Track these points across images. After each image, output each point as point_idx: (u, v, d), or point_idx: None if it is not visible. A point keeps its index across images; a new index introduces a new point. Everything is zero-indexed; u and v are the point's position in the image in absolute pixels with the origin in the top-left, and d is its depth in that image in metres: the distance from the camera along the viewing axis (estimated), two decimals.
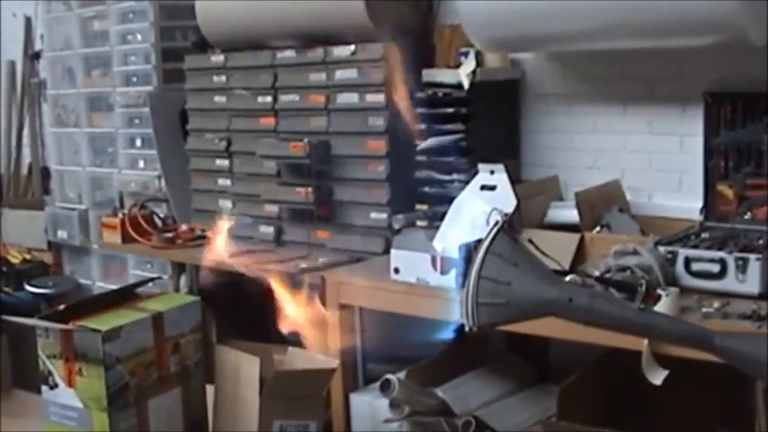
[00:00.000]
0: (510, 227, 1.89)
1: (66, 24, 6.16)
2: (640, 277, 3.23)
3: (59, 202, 6.47)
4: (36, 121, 7.38)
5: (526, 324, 3.19)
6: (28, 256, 6.63)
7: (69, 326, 3.27)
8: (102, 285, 6.01)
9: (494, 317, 1.85)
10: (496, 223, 1.88)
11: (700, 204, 3.93)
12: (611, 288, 3.19)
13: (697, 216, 3.92)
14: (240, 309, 4.85)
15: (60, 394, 3.34)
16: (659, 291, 3.18)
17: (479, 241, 1.82)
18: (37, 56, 7.18)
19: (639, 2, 3.56)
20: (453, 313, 3.33)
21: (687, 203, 4.01)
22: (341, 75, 4.47)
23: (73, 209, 6.26)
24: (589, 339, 3.14)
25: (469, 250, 3.20)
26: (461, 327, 3.75)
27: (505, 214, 1.88)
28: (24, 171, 7.51)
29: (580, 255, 3.67)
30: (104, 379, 3.22)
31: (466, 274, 1.82)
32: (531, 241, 1.88)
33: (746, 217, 3.83)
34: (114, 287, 4.72)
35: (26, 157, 7.51)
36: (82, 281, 6.32)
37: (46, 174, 7.08)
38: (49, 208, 6.56)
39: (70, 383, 3.30)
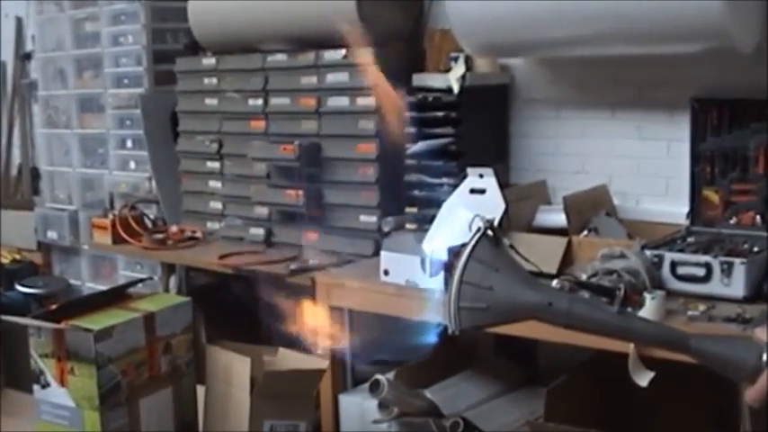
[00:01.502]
0: (492, 233, 1.91)
1: (58, 25, 6.17)
2: (625, 281, 3.27)
3: (49, 203, 6.47)
4: (26, 122, 7.38)
5: (514, 326, 3.23)
6: (18, 257, 6.63)
7: (62, 325, 3.30)
8: (91, 286, 6.01)
9: (475, 320, 1.88)
10: (479, 229, 1.91)
11: (686, 209, 3.96)
12: (590, 292, 3.24)
13: (683, 221, 3.95)
14: (229, 310, 4.87)
15: (52, 393, 3.36)
16: (645, 294, 3.23)
17: (464, 245, 1.86)
18: (28, 57, 7.18)
19: (629, 9, 3.59)
20: (442, 315, 3.36)
21: (674, 208, 4.04)
22: (332, 78, 4.50)
23: (63, 209, 6.27)
24: (576, 342, 3.18)
25: (450, 262, 3.24)
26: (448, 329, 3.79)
27: (488, 220, 1.91)
28: (14, 172, 7.52)
29: (568, 258, 3.70)
30: (96, 378, 3.25)
31: (448, 279, 1.87)
32: (512, 246, 1.92)
33: (732, 222, 3.87)
34: (104, 288, 4.74)
35: (16, 158, 7.52)
36: (72, 281, 6.32)
37: (36, 174, 7.08)
38: (38, 208, 6.56)
39: (62, 382, 3.33)
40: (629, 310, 3.01)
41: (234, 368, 3.65)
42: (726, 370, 1.78)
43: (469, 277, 1.88)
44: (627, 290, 3.20)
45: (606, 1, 3.63)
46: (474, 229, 1.92)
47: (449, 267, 3.18)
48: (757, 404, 1.74)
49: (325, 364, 3.83)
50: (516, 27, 3.94)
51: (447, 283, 2.07)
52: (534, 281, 1.95)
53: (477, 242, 1.91)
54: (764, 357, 1.73)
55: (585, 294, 3.22)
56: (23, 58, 7.29)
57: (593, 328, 1.87)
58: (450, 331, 1.92)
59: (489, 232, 1.94)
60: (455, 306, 1.88)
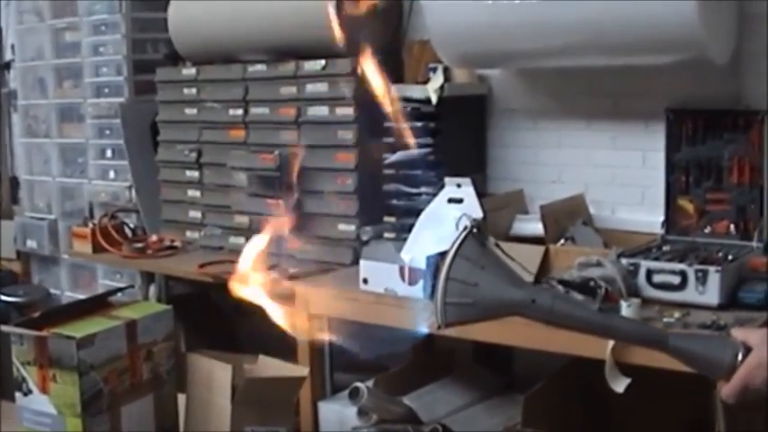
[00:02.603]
0: (479, 231, 1.96)
1: (38, 35, 6.17)
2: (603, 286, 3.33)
3: (29, 212, 6.47)
4: (6, 131, 7.36)
5: (492, 333, 3.28)
6: None
7: (44, 333, 3.31)
8: (71, 295, 6.01)
9: (461, 316, 1.93)
10: (465, 228, 1.96)
11: (661, 218, 4.01)
12: (573, 291, 3.29)
13: (659, 230, 4.00)
14: (209, 318, 4.90)
15: (34, 400, 3.36)
16: (621, 302, 3.28)
17: (444, 254, 1.90)
18: (7, 66, 7.15)
19: (604, 21, 3.64)
20: (421, 323, 3.40)
21: (649, 217, 4.09)
22: (311, 88, 4.52)
23: (42, 219, 6.27)
24: (553, 348, 3.23)
25: (437, 261, 3.27)
26: (429, 336, 3.83)
27: (474, 219, 1.96)
28: None
29: (545, 267, 3.74)
30: (78, 385, 3.25)
31: (436, 277, 1.91)
32: (497, 245, 1.96)
33: (707, 230, 3.92)
34: (83, 297, 4.75)
35: None
36: (51, 290, 6.32)
37: (15, 183, 7.06)
38: (18, 218, 6.55)
39: (44, 390, 3.33)
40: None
41: (215, 375, 3.67)
42: (702, 368, 1.83)
43: (456, 274, 1.93)
44: (608, 289, 3.27)
45: (582, 13, 3.68)
46: (461, 227, 1.96)
47: (436, 265, 3.22)
48: (732, 401, 1.79)
49: (305, 371, 3.85)
50: (493, 38, 3.98)
51: (434, 279, 2.15)
52: (519, 278, 1.99)
53: (463, 240, 1.96)
54: (740, 356, 1.78)
55: (568, 292, 3.28)
56: (3, 67, 7.25)
57: (574, 325, 1.91)
58: (436, 326, 1.96)
59: (476, 231, 1.99)
60: (442, 301, 1.93)
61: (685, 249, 3.73)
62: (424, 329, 3.29)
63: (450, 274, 1.93)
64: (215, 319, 4.95)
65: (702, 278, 3.36)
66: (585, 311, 2.00)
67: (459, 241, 1.96)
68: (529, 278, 3.54)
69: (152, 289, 5.22)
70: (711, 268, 3.37)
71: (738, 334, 1.82)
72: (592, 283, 3.31)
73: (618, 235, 4.10)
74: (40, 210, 6.35)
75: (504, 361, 4.26)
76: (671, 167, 4.00)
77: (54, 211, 6.21)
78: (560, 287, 3.32)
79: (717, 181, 3.92)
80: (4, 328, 3.47)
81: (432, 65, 4.37)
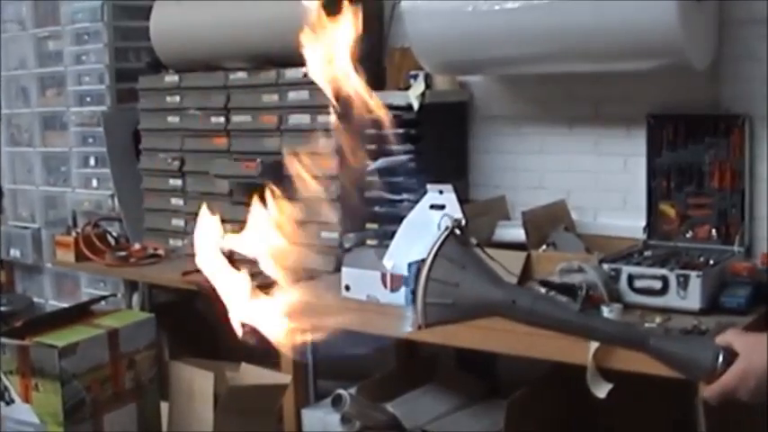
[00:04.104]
0: (460, 231, 1.96)
1: (21, 44, 6.16)
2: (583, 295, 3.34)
3: (12, 221, 6.45)
4: None
5: (475, 339, 3.28)
6: None
7: (26, 342, 3.31)
8: (54, 304, 5.99)
9: (442, 316, 1.93)
10: (447, 228, 1.96)
11: (643, 223, 4.02)
12: (554, 292, 3.31)
13: (641, 235, 4.01)
14: (192, 326, 4.89)
15: (17, 409, 3.36)
16: (603, 307, 3.29)
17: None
18: None
19: (584, 27, 3.65)
20: (403, 329, 3.41)
21: (631, 222, 4.09)
22: (293, 96, 4.53)
23: (26, 227, 6.25)
24: (536, 354, 3.24)
25: (419, 268, 3.28)
26: (412, 342, 3.83)
27: (455, 219, 1.96)
28: None
29: (527, 272, 3.75)
30: (61, 394, 3.26)
31: (417, 277, 1.91)
32: (479, 245, 1.97)
33: (688, 235, 3.94)
34: (67, 305, 4.74)
35: None
36: (35, 299, 6.30)
37: None
38: (1, 227, 6.54)
39: (27, 399, 3.33)
40: None
41: (197, 384, 3.67)
42: (682, 369, 1.83)
43: (437, 274, 1.93)
44: (589, 291, 3.28)
45: (563, 19, 3.69)
46: (442, 227, 1.97)
47: (418, 267, 3.24)
48: (714, 402, 1.79)
49: (287, 378, 3.86)
50: (474, 45, 3.99)
51: (415, 280, 2.15)
52: (499, 279, 1.99)
53: (444, 240, 1.96)
54: (720, 358, 1.78)
55: (549, 293, 3.29)
56: None
57: (555, 325, 1.91)
58: (416, 327, 1.97)
59: (457, 231, 1.99)
60: (422, 302, 1.93)
61: (667, 254, 3.74)
62: (405, 331, 3.30)
63: (430, 275, 1.93)
64: (199, 327, 4.94)
65: (684, 283, 3.37)
66: (566, 312, 2.01)
67: (439, 241, 1.96)
68: (510, 279, 3.54)
69: (135, 297, 5.21)
70: (693, 273, 3.38)
71: (722, 337, 1.82)
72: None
73: (600, 240, 4.10)
74: (24, 218, 6.33)
75: (487, 367, 4.26)
76: (652, 172, 4.02)
77: (38, 219, 6.19)
78: (542, 288, 3.33)
79: (698, 186, 3.94)
80: None
81: (413, 72, 4.38)
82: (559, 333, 1.94)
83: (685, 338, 2.02)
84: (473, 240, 2.01)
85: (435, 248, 1.95)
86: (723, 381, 1.77)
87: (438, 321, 1.96)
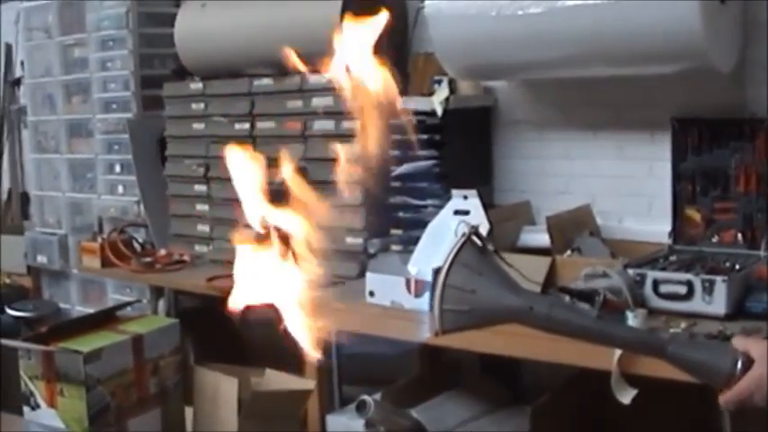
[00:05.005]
0: (478, 238, 1.96)
1: (47, 52, 6.20)
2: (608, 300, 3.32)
3: (39, 227, 6.49)
4: (16, 147, 7.41)
5: (499, 345, 3.28)
6: (8, 281, 6.65)
7: (51, 347, 3.32)
8: (81, 309, 6.02)
9: (458, 322, 1.92)
10: (464, 234, 1.96)
11: (668, 228, 4.00)
12: (572, 298, 3.29)
13: (666, 239, 3.98)
14: (217, 332, 4.89)
15: (42, 415, 3.38)
16: (627, 312, 3.27)
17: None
18: (17, 82, 7.20)
19: (607, 31, 3.64)
20: (427, 334, 3.40)
21: (656, 227, 4.07)
22: (317, 102, 4.54)
23: (53, 234, 6.29)
24: (559, 359, 3.23)
25: (436, 274, 3.28)
26: (436, 348, 3.82)
27: (473, 226, 1.96)
28: (4, 197, 7.54)
29: (551, 278, 3.73)
30: (85, 400, 3.27)
31: (434, 284, 1.91)
32: (496, 252, 1.96)
33: (714, 240, 3.91)
34: (92, 311, 4.76)
35: (6, 183, 7.54)
36: (61, 305, 6.34)
37: (26, 199, 7.10)
38: (28, 233, 6.57)
39: (52, 404, 3.35)
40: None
41: (221, 389, 3.68)
42: (701, 375, 1.82)
43: (453, 280, 1.93)
44: (606, 296, 3.26)
45: (586, 24, 3.68)
46: (459, 234, 1.96)
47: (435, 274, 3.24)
48: (731, 408, 1.78)
49: (311, 384, 3.86)
50: (498, 50, 3.98)
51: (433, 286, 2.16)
52: (516, 285, 1.99)
53: (461, 247, 1.96)
54: (739, 365, 1.77)
55: (566, 299, 3.28)
56: (13, 83, 7.31)
57: (572, 332, 1.90)
58: (433, 333, 1.96)
59: (474, 237, 1.98)
60: (439, 308, 1.92)
61: (692, 259, 3.72)
62: (424, 338, 3.29)
63: (447, 281, 1.93)
64: (224, 332, 4.95)
65: (709, 288, 3.35)
66: (583, 319, 2.00)
67: (457, 248, 1.95)
68: (530, 287, 3.53)
69: (161, 303, 5.23)
70: (718, 278, 3.36)
71: (740, 343, 1.81)
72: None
73: (625, 245, 4.08)
74: (51, 225, 6.38)
75: (511, 372, 4.25)
76: (677, 177, 3.99)
77: (64, 226, 6.23)
78: (560, 295, 3.32)
79: (723, 190, 3.91)
80: (12, 342, 3.48)
81: (437, 77, 4.38)
82: (577, 339, 1.93)
83: (704, 344, 2.01)
84: (490, 247, 2.01)
85: (452, 255, 1.94)
86: (739, 387, 1.76)
87: (455, 328, 1.95)
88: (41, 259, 6.37)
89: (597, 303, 3.27)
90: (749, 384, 1.76)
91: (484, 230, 3.71)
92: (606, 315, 3.20)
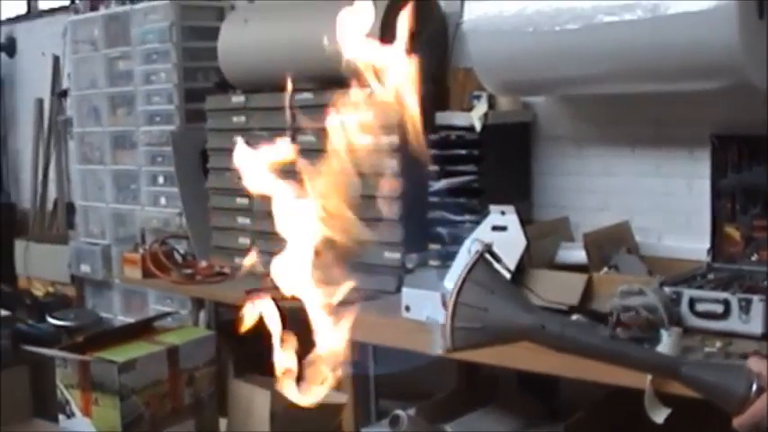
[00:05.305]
0: (491, 255, 1.97)
1: (92, 64, 6.28)
2: (643, 318, 3.30)
3: (83, 237, 6.56)
4: (62, 158, 7.50)
5: (535, 361, 3.26)
6: (51, 290, 6.73)
7: (86, 357, 3.36)
8: (123, 319, 6.06)
9: (470, 340, 1.93)
10: (476, 252, 1.96)
11: (707, 245, 3.97)
12: (584, 317, 3.28)
13: (705, 257, 3.96)
14: (256, 344, 4.91)
15: (77, 423, 3.42)
16: (662, 330, 3.25)
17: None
18: (64, 94, 7.29)
19: (647, 48, 3.63)
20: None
21: (695, 244, 4.03)
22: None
23: (96, 244, 6.35)
24: (594, 377, 3.20)
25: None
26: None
27: (486, 244, 1.97)
28: (50, 206, 7.62)
29: (588, 294, 3.71)
30: (119, 409, 3.30)
31: (446, 301, 1.92)
32: (508, 269, 1.97)
33: (753, 258, 3.87)
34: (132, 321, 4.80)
35: (52, 193, 7.63)
36: (104, 315, 6.38)
37: (71, 209, 7.17)
38: (73, 243, 6.64)
39: (87, 413, 3.38)
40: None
41: (255, 401, 3.69)
42: (715, 398, 1.80)
43: (465, 298, 1.93)
44: (619, 315, 3.24)
45: (624, 40, 3.67)
46: (472, 252, 1.97)
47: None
48: (744, 430, 1.76)
49: (344, 398, 3.86)
50: (536, 66, 3.98)
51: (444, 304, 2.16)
52: (529, 303, 1.99)
53: (473, 265, 1.96)
54: (754, 387, 1.75)
55: (579, 319, 3.26)
56: (60, 95, 7.41)
57: (584, 351, 1.90)
58: (443, 350, 1.97)
59: (487, 255, 1.99)
60: (451, 326, 1.93)
61: (730, 277, 3.68)
62: (436, 352, 3.28)
63: (459, 299, 1.93)
64: (262, 345, 4.97)
65: (746, 307, 3.32)
66: (596, 338, 1.99)
67: (469, 266, 1.96)
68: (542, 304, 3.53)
69: (202, 315, 5.25)
70: (755, 297, 3.32)
71: (754, 365, 1.79)
72: (627, 320, 3.29)
73: (664, 262, 4.05)
74: (95, 235, 6.44)
75: (548, 389, 4.23)
76: (717, 194, 3.96)
77: (107, 236, 6.29)
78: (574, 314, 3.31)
79: (763, 208, 3.87)
80: (48, 351, 3.52)
81: (476, 93, 4.38)
82: (589, 359, 1.92)
83: (718, 366, 1.99)
84: (499, 267, 2.01)
85: (465, 273, 1.95)
86: (753, 409, 1.74)
87: (466, 345, 1.96)
88: (85, 269, 6.43)
89: (610, 324, 3.25)
90: (763, 407, 1.74)
91: (521, 247, 3.73)
92: (622, 334, 3.18)
